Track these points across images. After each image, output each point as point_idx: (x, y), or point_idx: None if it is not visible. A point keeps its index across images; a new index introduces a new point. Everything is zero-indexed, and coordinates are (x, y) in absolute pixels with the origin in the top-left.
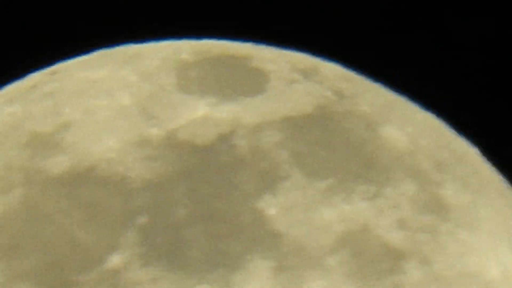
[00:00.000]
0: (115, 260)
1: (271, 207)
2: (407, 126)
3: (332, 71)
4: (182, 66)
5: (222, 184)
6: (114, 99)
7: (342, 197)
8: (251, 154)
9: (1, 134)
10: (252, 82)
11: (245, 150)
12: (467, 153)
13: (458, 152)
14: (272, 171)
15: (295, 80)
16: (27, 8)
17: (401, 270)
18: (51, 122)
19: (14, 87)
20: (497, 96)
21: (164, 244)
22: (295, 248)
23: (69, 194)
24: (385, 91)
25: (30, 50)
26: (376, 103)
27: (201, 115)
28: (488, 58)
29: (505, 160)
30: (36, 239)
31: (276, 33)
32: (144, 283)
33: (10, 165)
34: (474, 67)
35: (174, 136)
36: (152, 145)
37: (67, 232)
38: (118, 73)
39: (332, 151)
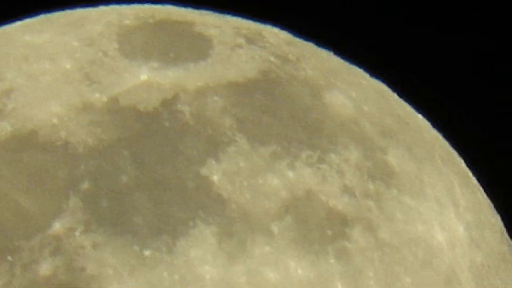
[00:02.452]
0: (58, 226)
1: (215, 173)
2: (351, 92)
3: (276, 36)
4: (125, 31)
5: (166, 150)
6: (56, 64)
7: (286, 163)
8: (195, 120)
9: None
10: (195, 48)
11: (188, 116)
12: (412, 119)
13: (403, 118)
14: (216, 137)
15: (238, 45)
16: None
17: (345, 236)
18: None
19: None
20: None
21: (108, 210)
22: (239, 214)
23: (12, 160)
24: (330, 56)
25: None
26: (320, 68)
27: (144, 80)
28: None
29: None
30: None
31: None
32: (87, 249)
33: None
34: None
35: (117, 101)
36: (95, 110)
37: (9, 198)
38: (60, 38)
39: (276, 117)
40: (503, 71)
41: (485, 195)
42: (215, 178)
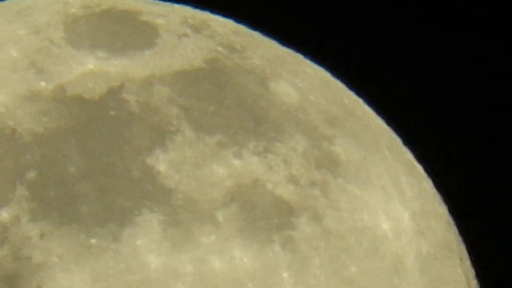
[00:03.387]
0: (4, 215)
1: (161, 162)
2: (297, 81)
3: (223, 26)
4: (71, 20)
5: (112, 139)
6: (3, 52)
7: (232, 152)
8: (141, 109)
9: None
10: (142, 37)
11: (135, 104)
12: (358, 108)
13: (350, 107)
14: (163, 126)
15: (185, 35)
16: None
17: (291, 225)
18: None
19: None
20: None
21: (54, 199)
22: (185, 203)
23: None
24: (276, 45)
25: None
26: (267, 58)
27: (91, 69)
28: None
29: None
30: None
31: None
32: (33, 238)
33: None
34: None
35: (63, 90)
36: (42, 99)
37: None
38: (8, 27)
39: (222, 106)
40: (447, 57)
41: (431, 184)
42: (161, 167)
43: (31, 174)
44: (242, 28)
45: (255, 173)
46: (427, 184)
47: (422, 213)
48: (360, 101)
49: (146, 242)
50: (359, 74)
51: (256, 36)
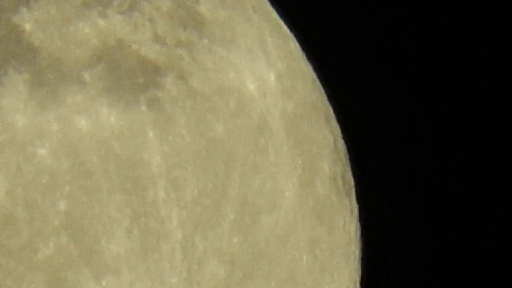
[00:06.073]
0: None
1: (26, 21)
2: None
3: None
4: None
5: None
6: None
7: (97, 12)
8: None
9: None
10: None
11: None
12: None
13: None
14: None
15: None
16: None
17: (157, 85)
18: None
19: None
20: None
21: None
22: (50, 63)
23: None
24: None
25: None
26: None
27: None
28: None
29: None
30: None
31: None
32: None
33: None
34: None
35: None
36: None
37: None
38: None
39: None
40: None
41: (297, 45)
42: (26, 26)
43: None
44: None
45: (120, 32)
46: (294, 45)
47: (288, 73)
48: None
49: (12, 102)
50: None
51: None
